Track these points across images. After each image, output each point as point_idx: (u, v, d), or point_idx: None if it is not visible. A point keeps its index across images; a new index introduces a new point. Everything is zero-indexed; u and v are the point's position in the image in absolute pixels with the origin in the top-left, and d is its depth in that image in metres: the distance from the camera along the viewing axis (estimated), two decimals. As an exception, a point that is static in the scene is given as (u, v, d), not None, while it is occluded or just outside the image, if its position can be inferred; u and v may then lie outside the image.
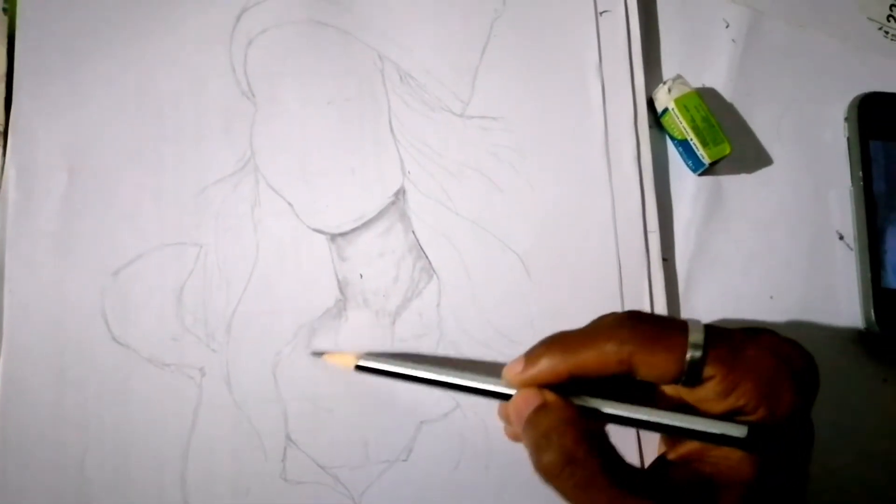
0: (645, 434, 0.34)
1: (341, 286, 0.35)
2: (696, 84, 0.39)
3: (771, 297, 0.38)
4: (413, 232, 0.36)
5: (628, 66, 0.39)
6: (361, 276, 0.35)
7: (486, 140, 0.37)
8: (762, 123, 0.40)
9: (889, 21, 0.43)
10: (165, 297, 0.33)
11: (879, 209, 0.38)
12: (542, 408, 0.27)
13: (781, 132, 0.40)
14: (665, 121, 0.38)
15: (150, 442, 0.32)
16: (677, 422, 0.26)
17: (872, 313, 0.37)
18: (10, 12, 0.35)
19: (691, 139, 0.37)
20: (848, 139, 0.40)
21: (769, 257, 0.38)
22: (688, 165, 0.39)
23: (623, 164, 0.38)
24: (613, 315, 0.28)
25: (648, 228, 0.37)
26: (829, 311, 0.38)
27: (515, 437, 0.31)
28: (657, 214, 0.37)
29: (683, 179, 0.39)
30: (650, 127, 0.38)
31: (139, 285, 0.33)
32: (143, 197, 0.34)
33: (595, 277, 0.36)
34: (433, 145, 0.37)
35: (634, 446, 0.34)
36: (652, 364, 0.26)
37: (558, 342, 0.28)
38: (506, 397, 0.29)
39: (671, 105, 0.37)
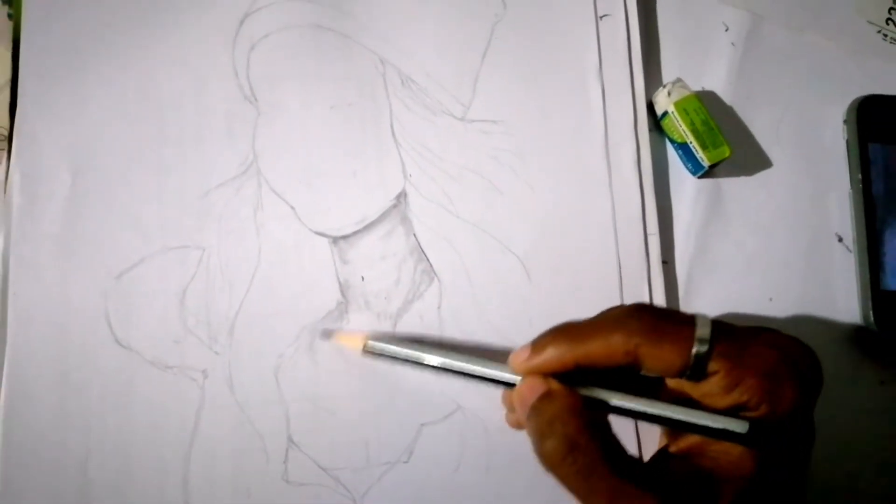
0: (644, 427, 0.34)
1: (343, 289, 0.35)
2: (696, 87, 0.39)
3: (770, 299, 0.38)
4: (414, 235, 0.36)
5: (628, 70, 0.39)
6: (363, 278, 0.35)
7: (487, 143, 0.37)
8: (761, 126, 0.40)
9: (888, 24, 0.43)
10: (168, 300, 0.34)
11: (878, 211, 0.38)
12: (546, 395, 0.27)
13: (781, 135, 0.40)
14: (665, 124, 0.39)
15: (153, 443, 0.32)
16: (679, 415, 0.27)
17: (871, 315, 0.37)
18: (15, 18, 0.36)
19: (691, 142, 0.37)
20: (847, 142, 0.40)
21: (768, 259, 0.38)
22: (687, 168, 0.39)
23: (623, 167, 0.38)
24: (621, 307, 0.29)
25: (648, 231, 0.37)
26: (828, 312, 0.38)
27: (517, 425, 0.31)
28: (657, 217, 0.37)
29: (683, 182, 0.39)
30: (650, 130, 0.39)
31: (142, 288, 0.34)
32: (145, 200, 0.35)
33: (595, 279, 0.36)
34: (434, 149, 0.37)
35: (633, 439, 0.34)
36: (658, 356, 0.26)
37: (565, 331, 0.28)
38: (511, 385, 0.29)
39: (671, 108, 0.37)
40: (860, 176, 0.39)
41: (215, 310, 0.34)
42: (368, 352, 0.32)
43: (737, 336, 0.27)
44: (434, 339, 0.35)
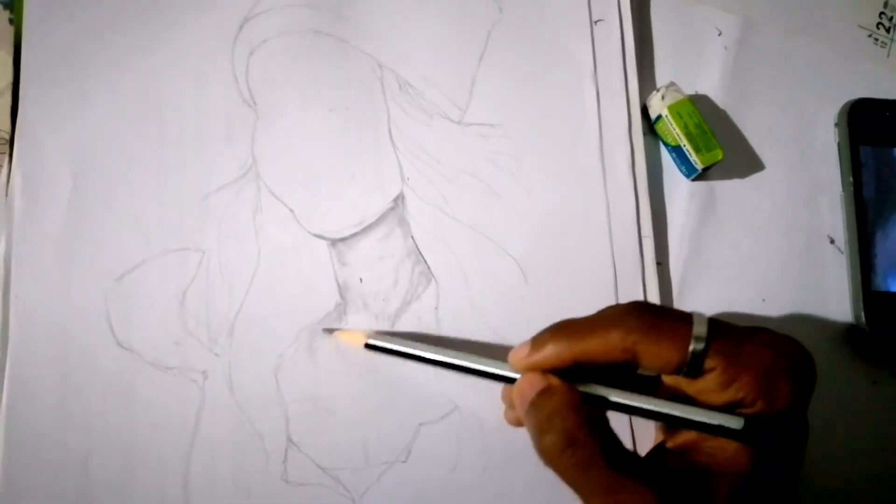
0: (638, 424, 0.35)
1: (341, 290, 0.35)
2: (689, 91, 0.40)
3: (763, 300, 0.38)
4: (412, 237, 0.36)
5: (622, 74, 0.39)
6: (361, 280, 0.35)
7: (484, 146, 0.38)
8: (754, 129, 0.41)
9: (878, 28, 0.43)
10: (169, 302, 0.34)
11: (869, 213, 0.39)
12: (545, 391, 0.28)
13: (773, 138, 0.41)
14: (659, 127, 0.39)
15: (154, 444, 0.33)
16: (676, 411, 0.27)
17: (863, 315, 0.38)
18: (17, 23, 0.36)
19: (684, 145, 0.38)
20: (838, 144, 0.41)
21: (761, 261, 0.39)
22: (681, 171, 0.39)
23: (618, 169, 0.38)
24: (619, 305, 0.29)
25: (643, 233, 0.38)
26: (820, 313, 0.39)
27: (516, 422, 0.32)
28: (651, 219, 0.38)
29: (677, 185, 0.39)
30: (644, 133, 0.39)
31: (143, 290, 0.34)
32: (146, 203, 0.35)
33: (591, 281, 0.37)
34: (431, 152, 0.37)
35: (628, 435, 0.35)
36: (656, 353, 0.27)
37: (564, 329, 0.29)
38: (510, 381, 0.29)
39: (664, 112, 0.38)
40: (851, 178, 0.39)
41: (215, 311, 0.34)
42: (370, 347, 0.32)
43: (733, 334, 0.28)
44: (434, 337, 0.35)
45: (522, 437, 0.33)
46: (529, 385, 0.28)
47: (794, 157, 0.40)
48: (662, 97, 0.38)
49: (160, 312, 0.34)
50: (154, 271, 0.34)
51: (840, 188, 0.40)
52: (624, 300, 0.36)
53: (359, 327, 0.35)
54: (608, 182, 0.38)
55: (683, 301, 0.38)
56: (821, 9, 0.43)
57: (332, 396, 0.34)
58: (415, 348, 0.32)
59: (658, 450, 0.29)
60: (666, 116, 0.38)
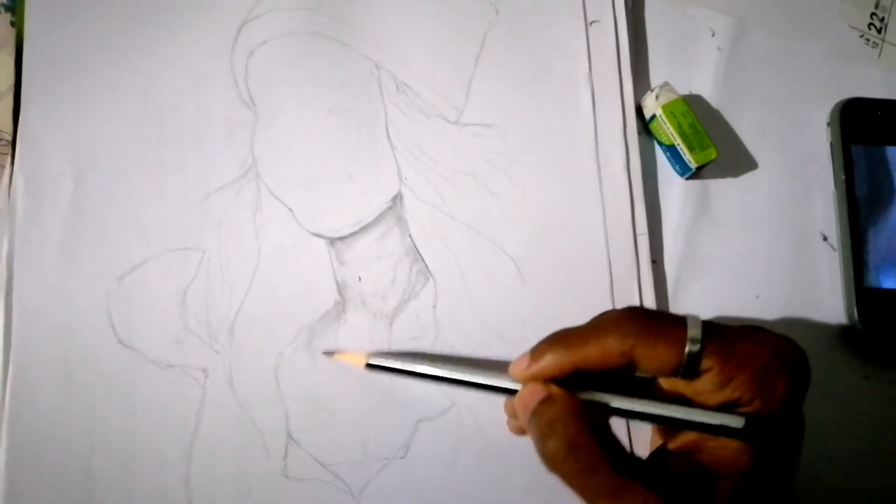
0: (635, 427, 0.35)
1: (340, 289, 0.36)
2: (683, 91, 0.40)
3: (757, 297, 0.39)
4: (410, 236, 0.37)
5: (617, 75, 0.40)
6: (360, 278, 0.36)
7: (481, 146, 0.38)
8: (747, 129, 0.41)
9: (870, 29, 0.44)
10: (169, 301, 0.34)
11: (861, 211, 0.39)
12: (547, 399, 0.28)
13: (766, 137, 0.41)
14: (653, 127, 0.40)
15: (155, 442, 0.33)
16: (677, 413, 0.28)
17: (855, 312, 0.38)
18: (18, 26, 0.36)
19: (678, 144, 0.38)
20: (830, 143, 0.41)
21: (755, 258, 0.39)
22: (675, 170, 0.40)
23: (613, 169, 0.39)
24: (614, 311, 0.29)
25: (638, 231, 0.38)
26: (813, 309, 0.39)
27: (519, 431, 0.32)
28: (646, 218, 0.38)
29: (671, 184, 0.40)
30: (639, 133, 0.40)
31: (144, 289, 0.34)
32: (147, 204, 0.35)
33: (586, 279, 0.37)
34: (429, 152, 0.38)
35: (625, 440, 0.35)
36: (652, 357, 0.27)
37: (562, 338, 0.29)
38: (512, 392, 0.30)
39: (659, 112, 0.38)
40: (843, 177, 0.40)
41: (216, 310, 0.35)
42: (371, 367, 0.33)
43: (727, 335, 0.28)
44: (430, 352, 0.35)
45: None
46: (531, 395, 0.29)
47: (787, 155, 0.41)
48: (657, 97, 0.39)
49: (161, 311, 0.34)
50: (155, 271, 0.35)
51: (832, 186, 0.41)
52: (619, 298, 0.37)
53: (357, 327, 0.35)
54: (603, 181, 0.38)
55: (678, 298, 0.38)
56: (813, 10, 0.43)
57: (332, 394, 0.34)
58: (415, 365, 0.32)
59: (659, 452, 0.29)
60: (660, 116, 0.38)
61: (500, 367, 0.31)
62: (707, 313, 0.38)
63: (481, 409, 0.35)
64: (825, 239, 0.40)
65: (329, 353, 0.34)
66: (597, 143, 0.39)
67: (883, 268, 0.39)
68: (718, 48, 0.42)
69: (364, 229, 0.36)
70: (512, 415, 0.32)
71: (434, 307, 0.36)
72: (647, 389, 0.30)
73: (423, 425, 0.35)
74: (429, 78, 0.38)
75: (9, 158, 0.35)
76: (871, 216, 0.40)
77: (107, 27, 0.37)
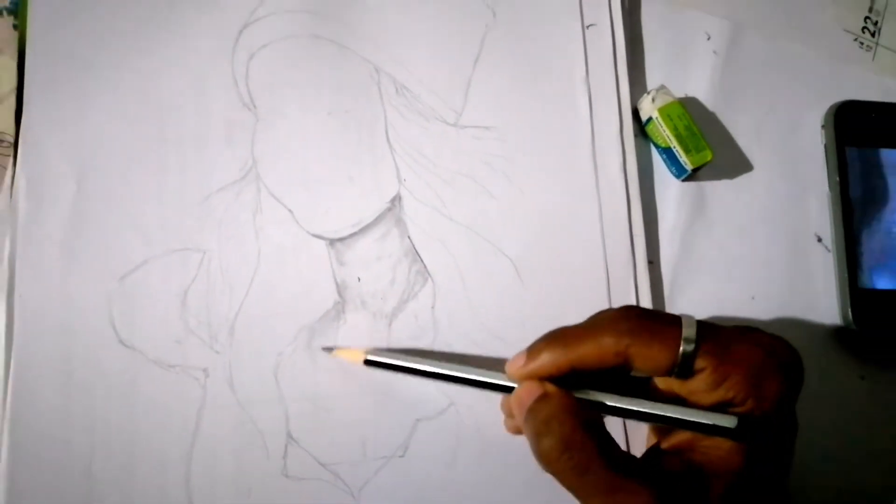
0: (632, 426, 0.35)
1: (340, 289, 0.36)
2: (679, 94, 0.41)
3: (752, 298, 0.39)
4: (409, 237, 0.37)
5: (614, 77, 0.40)
6: (359, 279, 0.36)
7: (479, 149, 0.39)
8: (743, 131, 0.41)
9: (864, 32, 0.44)
10: (170, 301, 0.35)
11: (856, 212, 0.40)
12: (542, 397, 0.28)
13: (761, 139, 0.41)
14: (649, 129, 0.40)
15: (156, 441, 0.33)
16: (671, 413, 0.28)
17: (850, 312, 0.38)
18: (21, 28, 0.37)
19: (674, 147, 0.38)
20: (825, 146, 0.41)
21: (750, 259, 0.40)
22: (671, 172, 0.40)
23: (609, 171, 0.39)
24: (611, 310, 0.30)
25: (634, 233, 0.38)
26: (808, 310, 0.39)
27: (516, 430, 0.32)
28: (642, 219, 0.39)
29: (667, 185, 0.40)
30: (635, 135, 0.40)
31: (145, 290, 0.35)
32: (148, 204, 0.36)
33: (584, 280, 0.38)
34: (428, 154, 0.38)
35: (622, 438, 0.35)
36: (647, 356, 0.28)
37: (559, 337, 0.29)
38: (508, 390, 0.30)
39: (655, 114, 0.39)
40: (838, 178, 0.40)
41: (216, 310, 0.35)
42: (369, 363, 0.33)
43: (721, 335, 0.28)
44: (429, 350, 0.36)
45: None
46: (527, 393, 0.29)
47: (782, 157, 0.41)
48: (653, 100, 0.39)
49: (162, 311, 0.34)
50: (156, 271, 0.35)
51: (827, 188, 0.41)
52: (616, 298, 0.37)
53: (356, 330, 0.36)
54: (600, 183, 0.39)
55: (674, 299, 0.38)
56: (807, 14, 0.44)
57: (331, 394, 0.35)
58: (414, 362, 0.32)
59: (653, 451, 0.30)
60: (656, 118, 0.39)
61: (497, 365, 0.31)
62: (703, 314, 0.38)
63: (480, 409, 0.35)
64: (820, 240, 0.41)
65: (328, 350, 0.35)
66: (594, 145, 0.39)
67: (877, 269, 0.39)
68: (714, 51, 0.42)
69: (363, 230, 0.37)
70: (508, 413, 0.32)
71: (433, 308, 0.36)
72: (642, 389, 0.31)
73: (422, 425, 0.35)
74: (428, 81, 0.39)
75: (11, 159, 0.35)
76: (866, 218, 0.40)
77: (108, 30, 0.37)
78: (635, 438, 0.35)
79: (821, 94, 0.42)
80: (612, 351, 0.28)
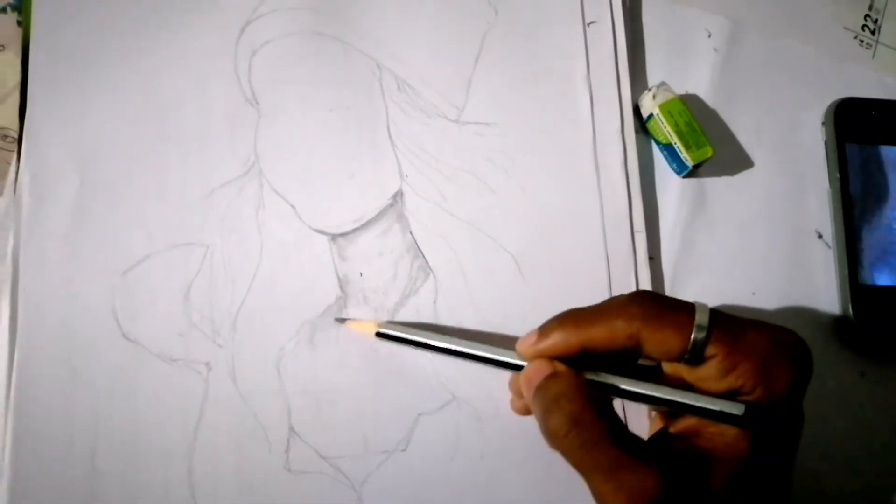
0: (632, 412, 0.36)
1: (342, 284, 0.36)
2: (680, 91, 0.41)
3: (753, 294, 0.39)
4: (411, 232, 0.37)
5: (615, 74, 0.40)
6: (361, 274, 0.36)
7: (480, 145, 0.39)
8: (743, 128, 0.42)
9: (863, 30, 0.45)
10: (173, 296, 0.35)
11: (856, 209, 0.40)
12: (552, 376, 0.29)
13: (762, 136, 0.42)
14: (650, 126, 0.40)
15: (159, 435, 0.33)
16: (679, 398, 0.28)
17: (850, 308, 0.39)
18: (25, 25, 0.37)
19: (675, 143, 0.39)
20: (825, 143, 0.42)
21: (751, 255, 0.40)
22: (672, 168, 0.40)
23: (610, 167, 0.39)
24: (624, 294, 0.30)
25: (635, 229, 0.39)
26: (808, 306, 0.39)
27: (523, 410, 0.32)
28: (643, 215, 0.39)
29: (668, 182, 0.40)
30: (636, 132, 0.40)
31: (148, 284, 0.35)
32: (151, 200, 0.36)
33: (585, 276, 0.38)
34: (429, 150, 0.38)
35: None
36: (659, 340, 0.28)
37: (571, 317, 0.29)
38: (518, 368, 0.30)
39: (656, 111, 0.39)
40: (838, 175, 0.40)
41: (218, 305, 0.35)
42: (381, 335, 0.33)
43: (733, 324, 0.28)
44: (439, 327, 0.36)
45: (519, 426, 0.34)
46: (536, 371, 0.29)
47: (783, 154, 0.42)
48: (654, 96, 0.39)
49: (165, 306, 0.35)
50: (159, 266, 0.35)
51: (827, 184, 0.41)
52: (617, 293, 0.37)
53: (360, 318, 0.36)
54: (601, 179, 0.39)
55: (675, 294, 0.38)
56: (807, 11, 0.44)
57: (333, 388, 0.35)
58: (423, 337, 0.32)
59: (660, 434, 0.30)
60: (657, 115, 0.39)
61: (507, 343, 0.31)
62: (704, 309, 0.39)
63: (481, 403, 0.35)
64: (820, 236, 0.41)
65: (341, 320, 0.35)
66: (595, 141, 0.39)
67: (877, 265, 0.39)
68: (715, 49, 0.42)
69: (365, 226, 0.37)
70: (516, 392, 0.32)
71: (434, 303, 0.36)
72: (650, 376, 0.31)
73: (424, 419, 0.35)
74: (429, 77, 0.39)
75: (14, 155, 0.36)
76: (866, 214, 0.40)
77: (112, 26, 0.37)
78: (634, 424, 0.35)
79: (821, 91, 0.42)
80: (624, 334, 0.28)
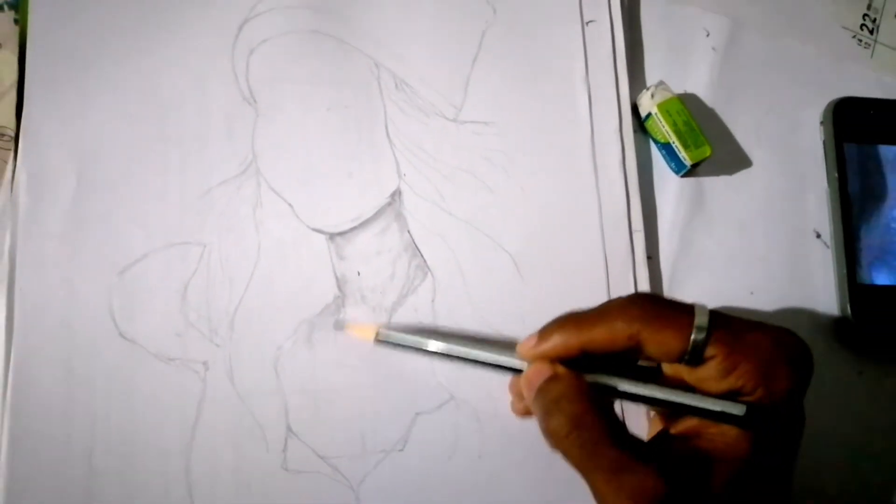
0: (630, 413, 0.35)
1: (340, 283, 0.36)
2: (679, 90, 0.41)
3: (751, 293, 0.39)
4: (409, 231, 0.37)
5: (613, 73, 0.40)
6: (359, 273, 0.36)
7: (479, 144, 0.39)
8: (742, 127, 0.41)
9: (862, 30, 0.45)
10: (170, 295, 0.35)
11: (854, 208, 0.40)
12: (553, 378, 0.29)
13: (760, 135, 0.42)
14: (648, 125, 0.40)
15: (156, 434, 0.33)
16: (680, 398, 0.28)
17: (848, 308, 0.39)
18: (22, 23, 0.37)
19: (673, 142, 0.39)
20: (824, 142, 0.42)
21: (749, 255, 0.40)
22: (671, 167, 0.40)
23: (609, 166, 0.39)
24: (624, 296, 0.30)
25: (633, 228, 0.39)
26: (807, 305, 0.39)
27: (523, 413, 0.32)
28: (642, 214, 0.39)
29: (667, 181, 0.40)
30: (634, 131, 0.40)
31: (145, 283, 0.35)
32: (148, 199, 0.36)
33: (583, 275, 0.38)
34: (428, 149, 0.38)
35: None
36: (659, 341, 0.28)
37: (571, 319, 0.30)
38: (518, 371, 0.30)
39: (654, 110, 0.39)
40: (836, 174, 0.40)
41: (216, 304, 0.35)
42: (381, 341, 0.33)
43: (733, 324, 0.28)
44: (439, 329, 0.36)
45: (517, 427, 0.34)
46: (537, 373, 0.29)
47: (781, 153, 0.41)
48: (652, 96, 0.39)
49: (162, 305, 0.34)
50: (156, 265, 0.35)
51: (825, 184, 0.41)
52: (615, 293, 0.38)
53: (359, 321, 0.36)
54: (600, 178, 0.39)
55: (673, 294, 0.39)
56: (806, 11, 0.44)
57: (331, 387, 0.35)
58: (423, 341, 0.32)
59: (661, 435, 0.30)
60: (655, 114, 0.39)
61: (507, 346, 0.31)
62: (703, 309, 0.39)
63: (479, 402, 0.35)
64: (818, 236, 0.41)
65: (340, 325, 0.35)
66: (593, 140, 0.39)
67: (875, 264, 0.39)
68: (713, 48, 0.42)
69: (363, 225, 0.37)
70: (517, 395, 0.32)
71: (432, 302, 0.36)
72: (650, 378, 0.31)
73: (422, 418, 0.35)
74: (428, 76, 0.39)
75: (11, 154, 0.35)
76: (864, 213, 0.40)
77: (109, 25, 0.37)
78: (633, 425, 0.35)
79: (819, 90, 0.42)
80: (624, 335, 0.28)
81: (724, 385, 0.28)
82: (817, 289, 0.40)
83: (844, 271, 0.39)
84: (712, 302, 0.38)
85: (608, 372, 0.29)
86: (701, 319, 0.28)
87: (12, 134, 0.36)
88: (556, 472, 0.32)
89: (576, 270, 0.38)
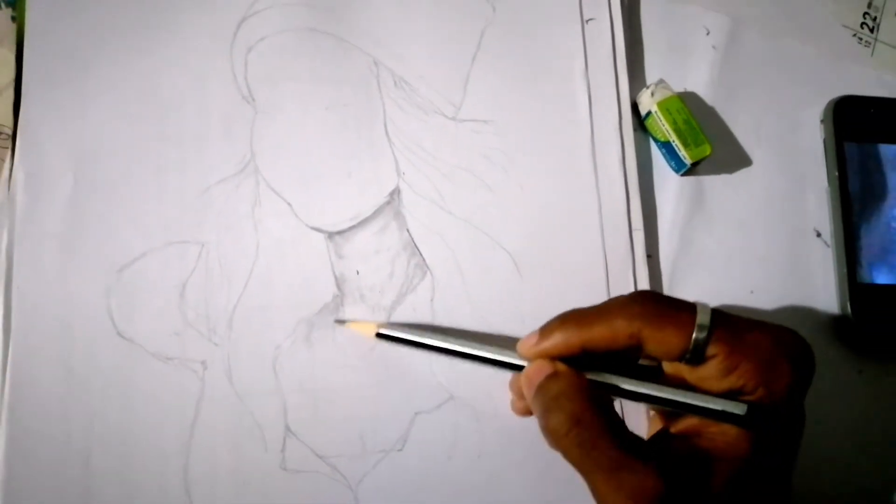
0: (629, 412, 0.35)
1: (338, 282, 0.36)
2: (679, 88, 0.41)
3: (751, 292, 0.39)
4: (408, 230, 0.37)
5: (613, 72, 0.40)
6: (358, 272, 0.36)
7: (478, 142, 0.39)
8: (742, 126, 0.41)
9: (862, 28, 0.44)
10: (169, 294, 0.35)
11: (854, 207, 0.40)
12: (553, 376, 0.29)
13: (760, 134, 0.41)
14: (648, 123, 0.40)
15: (154, 434, 0.33)
16: (681, 397, 0.28)
17: (848, 307, 0.38)
18: (19, 21, 0.37)
19: (673, 141, 0.38)
20: (824, 141, 0.41)
21: (749, 254, 0.40)
22: (671, 166, 0.40)
23: (609, 165, 0.39)
24: (625, 294, 0.30)
25: (633, 227, 0.38)
26: (807, 304, 0.39)
27: (524, 411, 0.32)
28: (642, 213, 0.39)
29: (666, 180, 0.40)
30: (634, 130, 0.40)
31: (143, 282, 0.34)
32: (146, 198, 0.35)
33: (583, 274, 0.38)
34: (427, 147, 0.38)
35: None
36: (660, 340, 0.28)
37: (572, 317, 0.29)
38: (518, 368, 0.30)
39: (654, 108, 0.39)
40: (837, 173, 0.40)
41: (214, 303, 0.35)
42: (381, 335, 0.33)
43: (735, 324, 0.28)
44: (439, 328, 0.36)
45: (517, 426, 0.34)
46: (537, 371, 0.29)
47: (781, 152, 0.41)
48: (652, 94, 0.39)
49: (160, 304, 0.34)
50: (154, 264, 0.35)
51: (826, 183, 0.41)
52: (615, 292, 0.37)
53: (359, 319, 0.35)
54: (599, 177, 0.39)
55: (673, 293, 0.38)
56: (806, 9, 0.44)
57: (330, 387, 0.35)
58: (424, 338, 0.32)
59: (661, 434, 0.30)
60: (655, 112, 0.39)
61: (507, 344, 0.31)
62: (703, 308, 0.39)
63: (478, 402, 0.35)
64: (819, 235, 0.41)
65: (340, 322, 0.35)
66: (593, 139, 0.39)
67: (876, 263, 0.39)
68: (713, 46, 0.42)
69: (362, 223, 0.37)
70: (517, 393, 0.32)
71: (431, 301, 0.36)
72: (651, 376, 0.31)
73: (421, 418, 0.35)
74: (427, 74, 0.39)
75: (9, 152, 0.35)
76: (864, 212, 0.40)
77: (107, 23, 0.37)
78: (633, 424, 0.35)
79: (819, 89, 0.42)
80: (625, 333, 0.28)
81: (725, 384, 0.28)
82: (817, 288, 0.40)
83: (845, 270, 0.39)
84: (712, 301, 0.39)
85: (609, 370, 0.29)
86: (703, 318, 0.28)
87: (9, 132, 0.36)
88: (556, 472, 0.32)
89: (575, 269, 0.38)
